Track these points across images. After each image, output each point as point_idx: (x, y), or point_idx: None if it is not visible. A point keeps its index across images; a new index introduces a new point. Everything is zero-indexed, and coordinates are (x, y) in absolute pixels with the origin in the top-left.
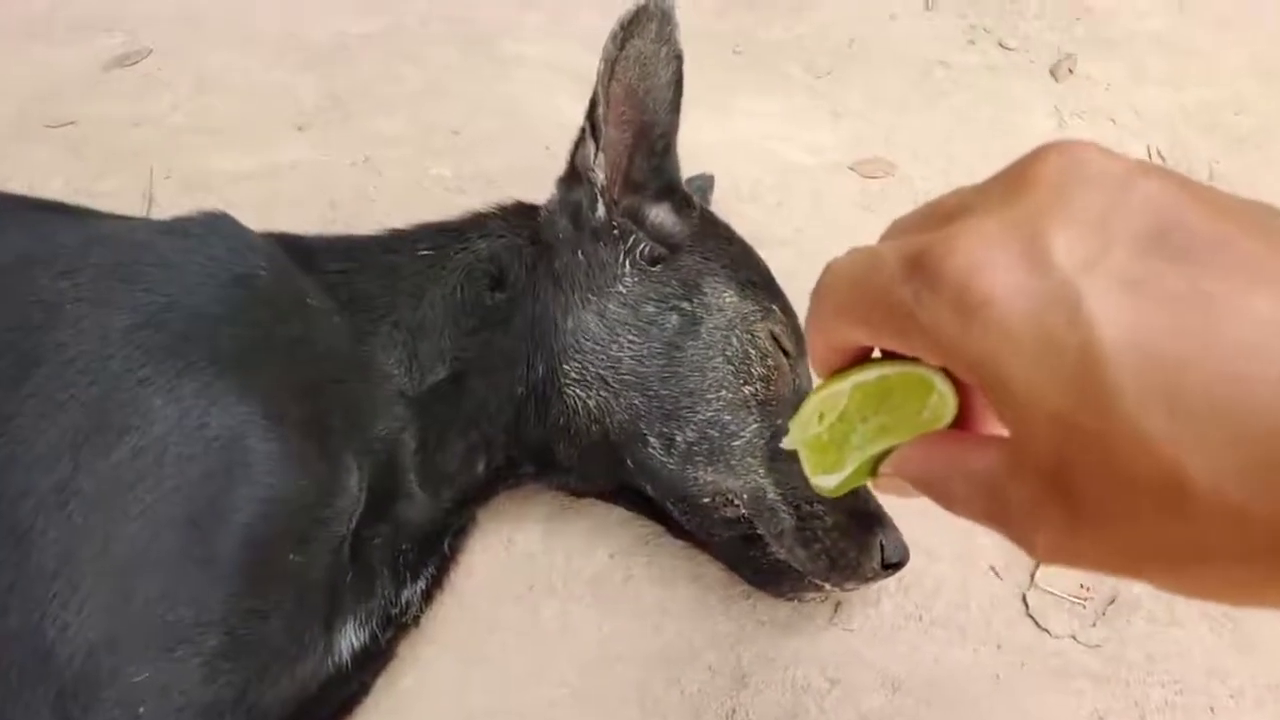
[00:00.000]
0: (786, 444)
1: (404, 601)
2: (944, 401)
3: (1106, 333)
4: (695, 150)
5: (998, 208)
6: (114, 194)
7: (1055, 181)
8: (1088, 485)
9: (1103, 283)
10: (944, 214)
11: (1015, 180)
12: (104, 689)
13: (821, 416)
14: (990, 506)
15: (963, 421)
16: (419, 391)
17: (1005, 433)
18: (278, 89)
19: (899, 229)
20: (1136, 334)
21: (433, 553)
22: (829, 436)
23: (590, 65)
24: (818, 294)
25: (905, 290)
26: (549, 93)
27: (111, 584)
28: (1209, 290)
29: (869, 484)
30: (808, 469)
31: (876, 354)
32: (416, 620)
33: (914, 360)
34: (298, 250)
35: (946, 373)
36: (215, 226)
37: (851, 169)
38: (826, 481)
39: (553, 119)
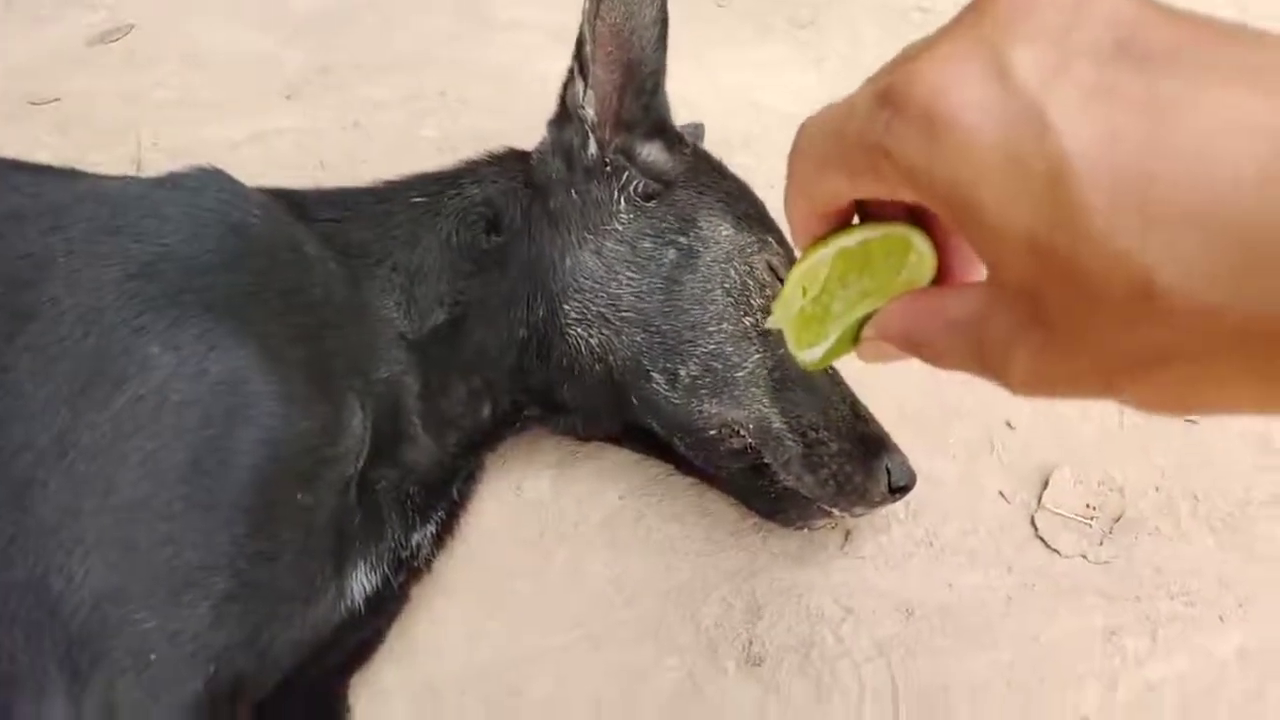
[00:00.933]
0: (770, 324)
1: (414, 545)
2: (923, 260)
3: (1072, 146)
4: (681, 102)
5: (961, 32)
6: (101, 168)
7: (1014, 2)
8: (1060, 303)
9: (1066, 95)
10: (909, 52)
11: (975, 7)
12: (112, 638)
13: (805, 290)
14: (969, 347)
15: (942, 279)
16: (419, 335)
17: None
18: (264, 59)
19: (870, 78)
20: (1101, 146)
21: (442, 497)
22: (812, 309)
23: None
24: (794, 152)
25: (876, 123)
26: (540, 55)
27: (115, 533)
28: (1169, 93)
29: (853, 352)
30: (792, 345)
31: (855, 221)
32: (429, 564)
33: (891, 221)
34: (291, 202)
35: (925, 230)
36: (207, 179)
37: None
38: (810, 355)
39: (545, 81)
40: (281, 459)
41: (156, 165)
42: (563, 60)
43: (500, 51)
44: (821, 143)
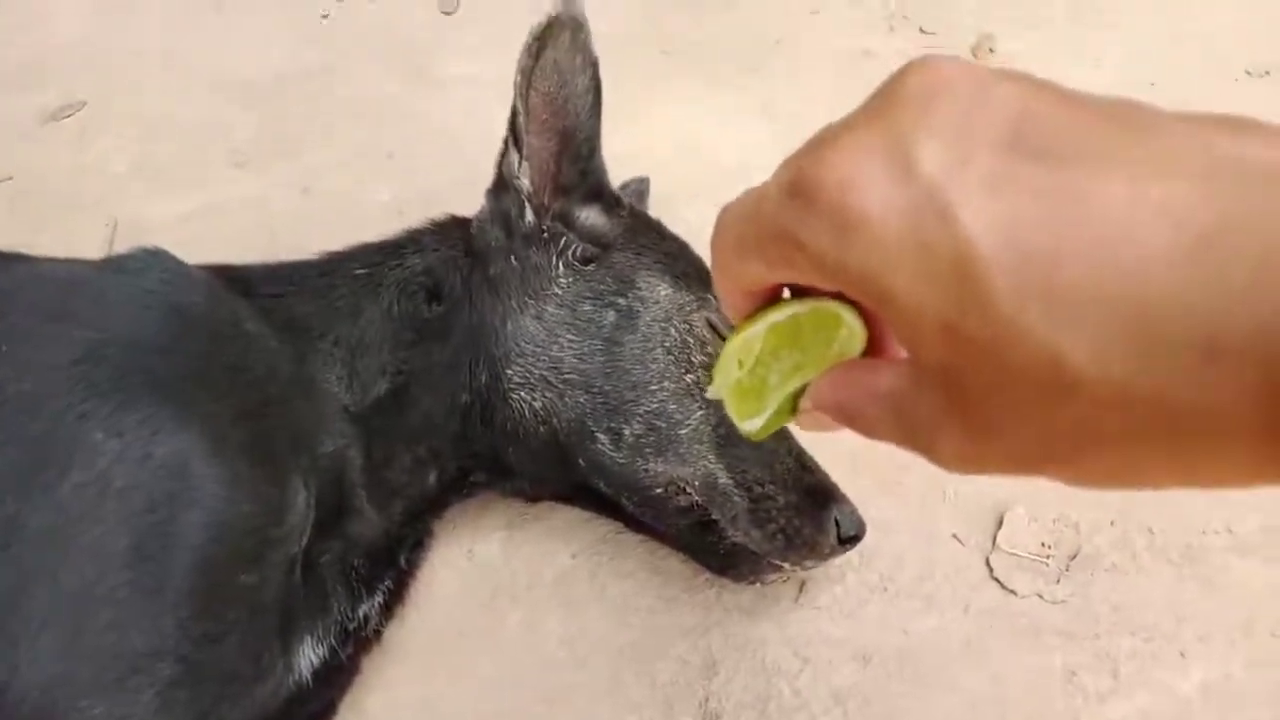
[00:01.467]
0: (710, 393)
1: (361, 616)
2: (853, 334)
3: (977, 235)
4: (629, 153)
5: (866, 125)
6: (54, 247)
7: (918, 94)
8: (979, 388)
9: (969, 186)
10: (820, 140)
11: (881, 98)
12: None
13: (740, 363)
14: (899, 425)
15: (873, 351)
16: (362, 408)
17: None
18: (214, 128)
19: (784, 163)
20: (1006, 233)
21: (389, 566)
22: (749, 381)
23: None
24: (715, 238)
25: (787, 215)
26: (486, 112)
27: (62, 620)
28: (1068, 181)
29: (792, 423)
30: (733, 415)
31: (786, 294)
32: (378, 634)
33: (821, 296)
34: (235, 279)
35: (854, 304)
36: (150, 261)
37: None
38: (750, 425)
39: (492, 135)
40: (225, 541)
41: (110, 242)
42: (504, 115)
43: (445, 109)
44: (738, 231)
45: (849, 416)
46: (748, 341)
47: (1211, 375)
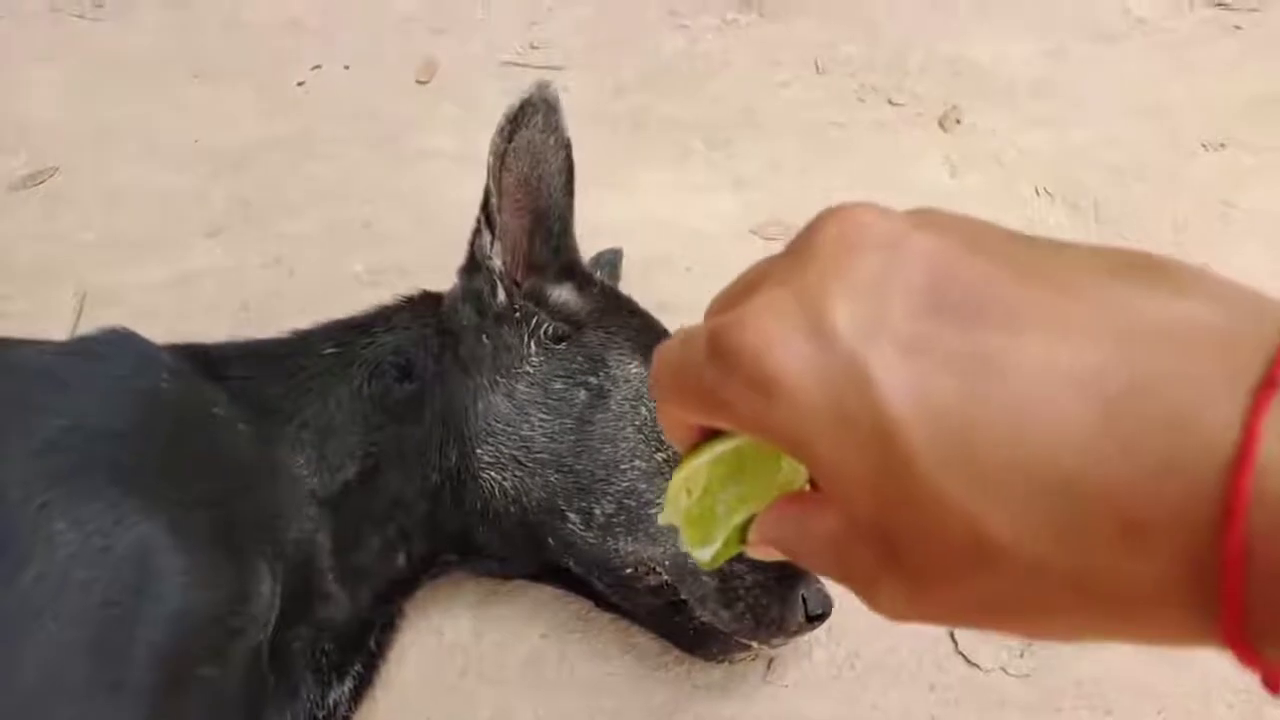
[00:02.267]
0: (662, 520)
1: (330, 703)
2: (796, 467)
3: (895, 405)
4: (602, 226)
5: (784, 279)
6: (23, 316)
7: (833, 249)
8: (910, 549)
9: (884, 350)
10: (746, 287)
11: (799, 249)
12: None
13: (689, 492)
14: (839, 569)
15: (816, 485)
16: (330, 492)
17: None
18: (186, 198)
19: (715, 304)
20: (923, 401)
21: (358, 651)
22: (697, 510)
23: None
24: (651, 377)
25: (711, 375)
26: (460, 183)
27: (20, 716)
28: (983, 345)
29: (744, 550)
30: (685, 543)
31: None
32: None
33: None
34: (203, 359)
35: None
36: (116, 344)
37: (753, 233)
38: (703, 555)
39: (466, 206)
40: (187, 633)
41: (79, 312)
42: (479, 184)
43: (419, 180)
44: (668, 376)
45: (791, 553)
46: (694, 471)
47: (1131, 553)
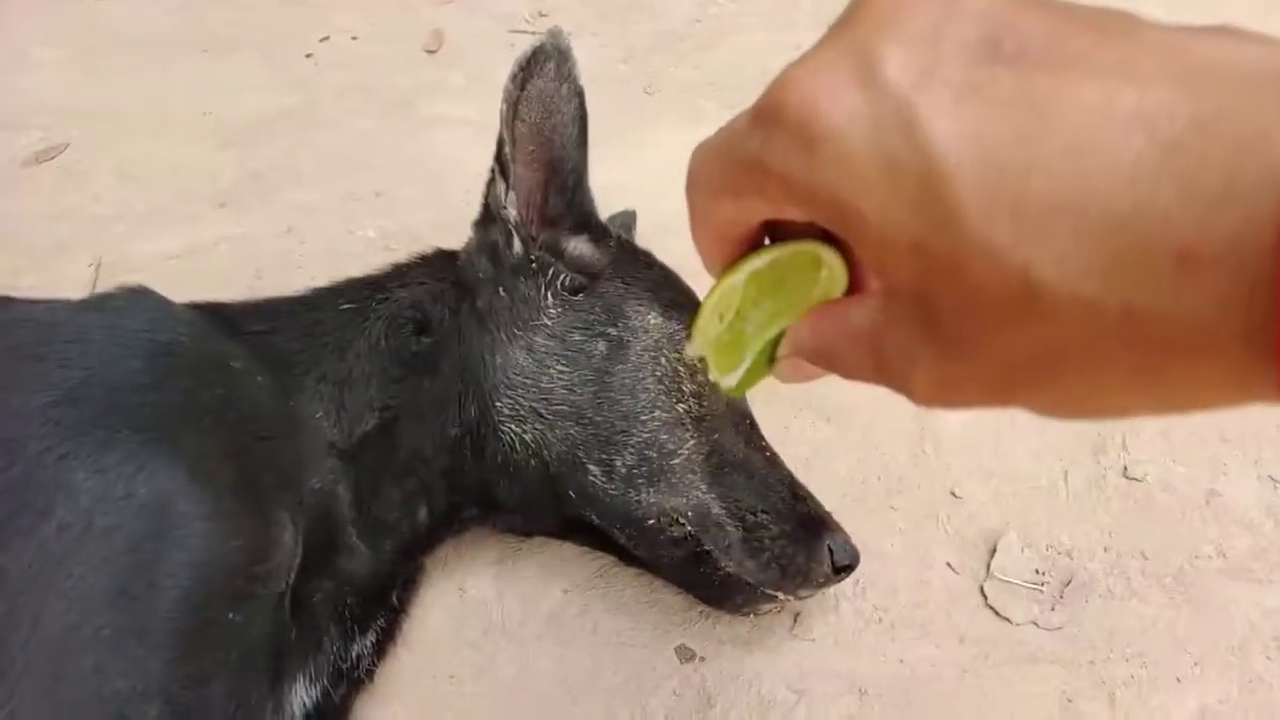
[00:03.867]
0: (689, 353)
1: (354, 656)
2: (834, 276)
3: (944, 147)
4: (615, 188)
5: (831, 41)
6: (37, 289)
7: (885, 5)
8: (950, 309)
9: (936, 95)
10: (787, 66)
11: (848, 14)
12: None
13: (720, 316)
14: (874, 359)
15: (854, 290)
16: (350, 444)
17: None
18: (197, 170)
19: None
20: (974, 144)
21: (381, 605)
22: (728, 336)
23: None
24: (688, 180)
25: (754, 141)
26: (470, 149)
27: (44, 666)
28: (1040, 90)
29: (772, 373)
30: (713, 372)
31: (766, 243)
32: (370, 675)
33: (801, 240)
34: (221, 316)
35: (835, 244)
36: (134, 300)
37: None
38: (729, 380)
39: (476, 174)
40: (211, 580)
41: (94, 283)
42: (489, 153)
43: (429, 148)
44: (708, 168)
45: (826, 358)
46: (727, 293)
47: (1186, 286)
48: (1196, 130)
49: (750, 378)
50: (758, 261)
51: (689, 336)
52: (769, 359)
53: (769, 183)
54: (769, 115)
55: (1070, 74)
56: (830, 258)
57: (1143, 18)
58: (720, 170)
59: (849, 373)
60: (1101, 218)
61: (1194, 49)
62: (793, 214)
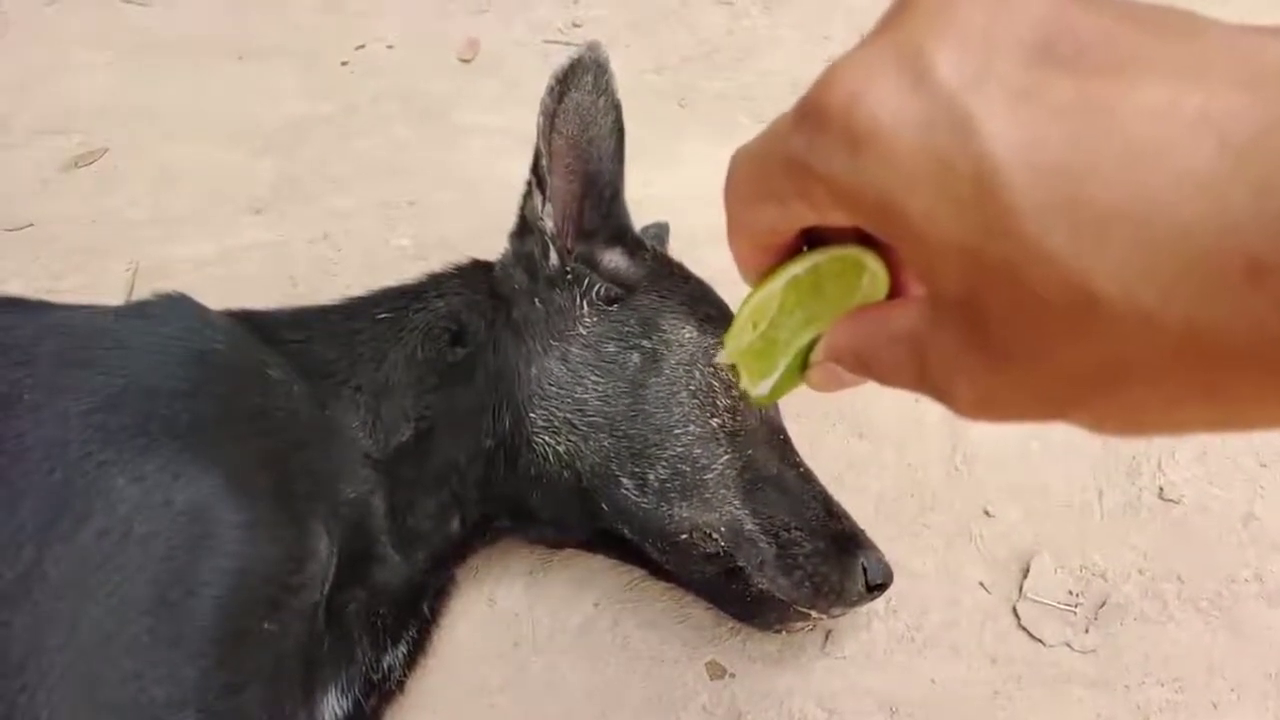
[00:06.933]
0: (721, 359)
1: (385, 667)
2: (876, 279)
3: (999, 150)
4: (648, 201)
5: (877, 38)
6: (75, 293)
7: (934, 4)
8: (1000, 318)
9: (991, 97)
10: (831, 66)
11: (893, 12)
12: None
13: (754, 325)
14: (916, 367)
15: (895, 296)
16: (385, 454)
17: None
18: (233, 175)
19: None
20: (1030, 149)
21: (413, 615)
22: (761, 344)
23: None
24: (727, 184)
25: (797, 141)
26: (505, 159)
27: (81, 670)
28: (1098, 93)
29: (804, 380)
30: (744, 381)
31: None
32: (401, 685)
33: (841, 245)
34: (258, 324)
35: (877, 248)
36: (172, 307)
37: None
38: (761, 389)
39: (510, 184)
40: (247, 588)
41: (130, 287)
42: (524, 162)
43: (464, 157)
44: (749, 171)
45: (864, 363)
46: (764, 301)
47: (1256, 297)
48: (1270, 135)
49: (782, 386)
50: (797, 268)
51: (722, 345)
52: (801, 367)
53: (812, 185)
54: (813, 115)
55: (1130, 76)
56: (873, 263)
57: (1206, 17)
58: (761, 174)
59: (887, 378)
60: (1165, 226)
61: (1264, 49)
62: (836, 218)
